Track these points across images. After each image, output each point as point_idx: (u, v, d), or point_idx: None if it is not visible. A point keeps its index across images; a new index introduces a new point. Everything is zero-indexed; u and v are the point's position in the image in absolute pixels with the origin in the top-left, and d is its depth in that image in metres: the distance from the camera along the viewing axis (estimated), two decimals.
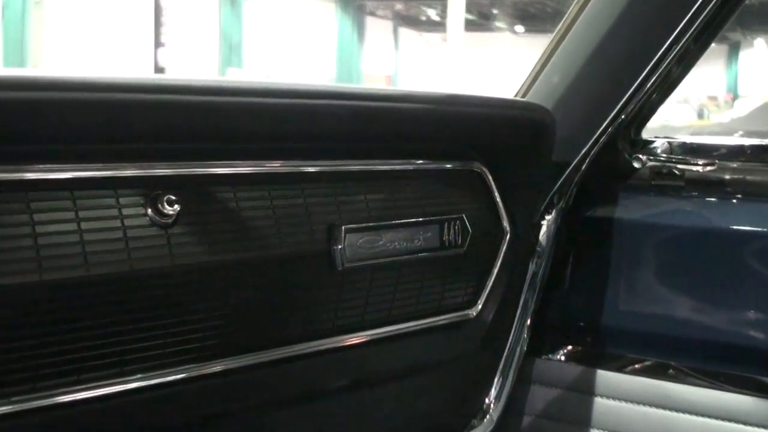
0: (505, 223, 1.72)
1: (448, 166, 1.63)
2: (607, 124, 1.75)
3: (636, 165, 1.84)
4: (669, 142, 1.84)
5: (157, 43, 15.84)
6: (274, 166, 1.37)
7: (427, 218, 1.56)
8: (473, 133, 1.62)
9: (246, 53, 20.99)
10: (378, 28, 27.06)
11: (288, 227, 1.36)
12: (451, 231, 1.58)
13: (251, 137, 1.33)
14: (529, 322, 1.83)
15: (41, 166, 1.14)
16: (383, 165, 1.52)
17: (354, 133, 1.44)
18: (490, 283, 1.72)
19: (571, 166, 1.79)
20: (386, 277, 1.53)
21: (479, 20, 26.08)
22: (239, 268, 1.30)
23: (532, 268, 1.83)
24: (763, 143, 1.80)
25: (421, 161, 1.58)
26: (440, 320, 1.63)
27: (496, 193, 1.70)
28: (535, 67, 1.83)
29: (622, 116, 1.77)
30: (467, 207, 1.63)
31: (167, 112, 1.20)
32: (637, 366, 1.77)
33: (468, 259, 1.65)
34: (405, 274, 1.55)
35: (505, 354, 1.78)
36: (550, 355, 1.86)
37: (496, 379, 1.76)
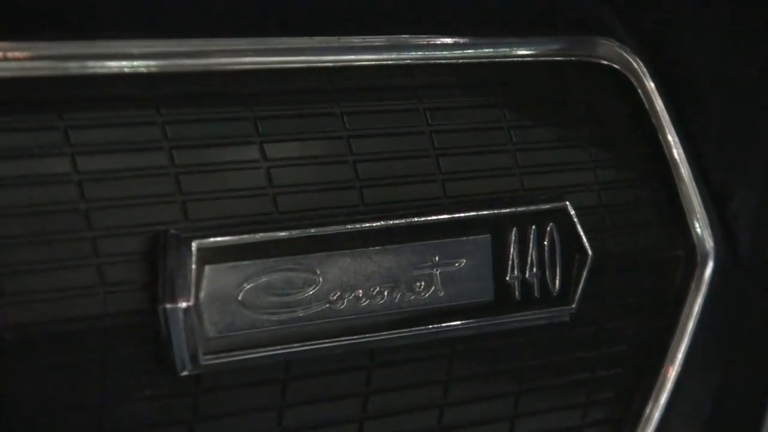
0: (698, 228, 1.07)
1: (523, 51, 1.01)
2: None
3: None
4: None
5: None
6: None
7: (462, 215, 0.92)
8: None
9: None
10: None
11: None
12: (533, 253, 0.95)
13: None
14: None
15: None
16: (316, 56, 0.91)
17: None
18: (656, 412, 1.07)
19: None
20: (333, 395, 0.90)
21: None
22: None
23: None
24: None
25: (447, 41, 0.98)
26: None
27: (671, 137, 1.05)
28: None
29: None
30: (584, 179, 1.02)
31: None
32: None
33: (588, 338, 1.03)
34: (388, 384, 0.93)
35: None
36: None
37: None
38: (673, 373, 1.10)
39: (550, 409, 1.05)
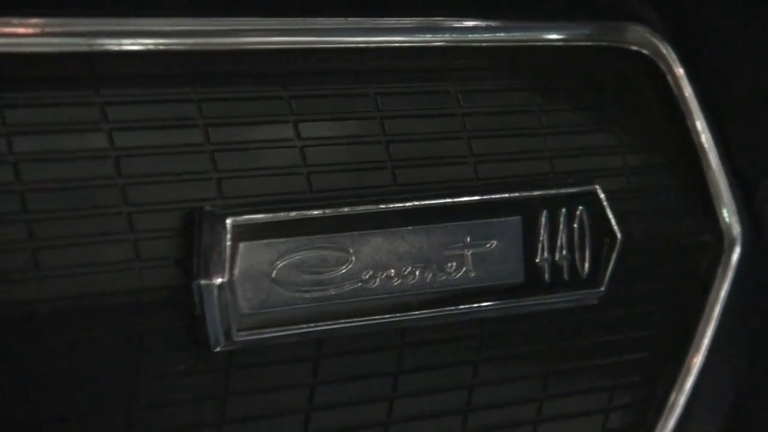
0: (726, 214, 1.05)
1: (553, 36, 0.99)
2: None
3: None
4: None
5: None
6: None
7: (493, 196, 0.91)
8: None
9: None
10: None
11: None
12: (563, 235, 0.93)
13: None
14: None
15: None
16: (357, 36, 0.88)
17: None
18: (681, 398, 1.05)
19: None
20: (364, 373, 0.89)
21: None
22: None
23: None
24: None
25: (479, 24, 0.96)
26: None
27: (699, 123, 1.03)
28: None
29: None
30: (613, 163, 1.00)
31: None
32: None
33: (615, 322, 1.01)
34: (418, 364, 0.90)
35: None
36: None
37: None
38: (698, 358, 1.09)
39: (576, 391, 1.03)
